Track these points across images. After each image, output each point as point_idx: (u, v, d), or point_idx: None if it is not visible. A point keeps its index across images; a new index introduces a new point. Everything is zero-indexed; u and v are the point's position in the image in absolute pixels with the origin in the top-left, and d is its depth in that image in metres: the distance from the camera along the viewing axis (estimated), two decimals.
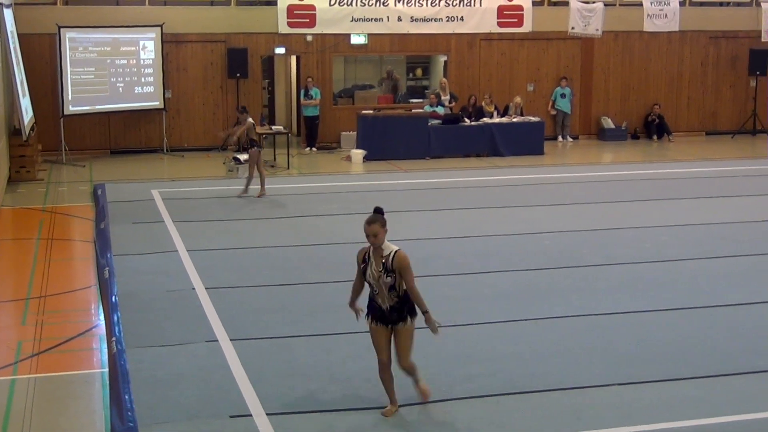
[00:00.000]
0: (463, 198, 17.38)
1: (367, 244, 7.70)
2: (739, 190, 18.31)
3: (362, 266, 7.72)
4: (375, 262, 7.64)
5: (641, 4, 25.81)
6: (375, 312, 7.71)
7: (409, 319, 7.71)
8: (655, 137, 25.97)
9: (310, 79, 23.73)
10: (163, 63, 22.86)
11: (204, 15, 23.60)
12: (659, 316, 10.37)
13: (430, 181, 19.40)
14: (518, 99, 24.20)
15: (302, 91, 23.83)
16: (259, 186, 17.35)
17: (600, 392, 8.28)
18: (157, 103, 22.98)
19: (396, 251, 7.64)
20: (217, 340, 9.49)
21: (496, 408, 7.96)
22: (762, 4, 26.39)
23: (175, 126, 23.35)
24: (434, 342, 9.46)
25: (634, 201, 17.06)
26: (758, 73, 26.46)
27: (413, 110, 23.89)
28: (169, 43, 23.02)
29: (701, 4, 26.91)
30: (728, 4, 27.35)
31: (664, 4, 25.81)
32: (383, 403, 7.94)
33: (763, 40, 26.26)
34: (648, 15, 25.79)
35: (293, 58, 25.34)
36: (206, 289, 11.29)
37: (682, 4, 26.11)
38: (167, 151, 23.06)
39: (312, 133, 23.90)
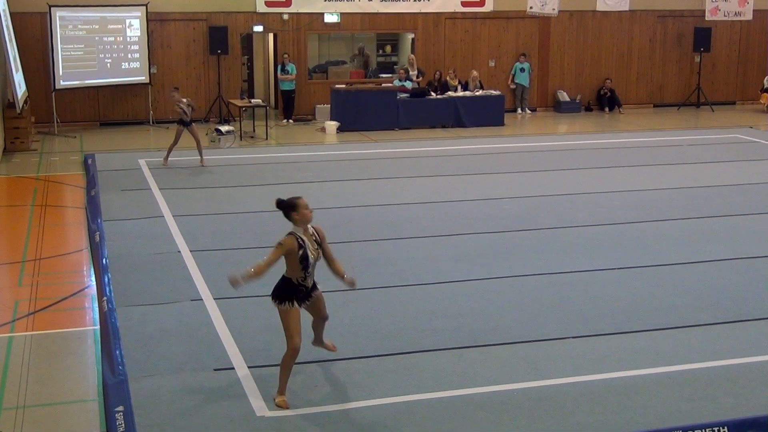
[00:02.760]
0: (430, 166, 17.36)
1: (289, 233, 7.15)
2: (684, 158, 18.39)
3: (300, 252, 7.10)
4: (309, 242, 7.18)
5: None
6: (299, 294, 7.18)
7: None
8: (606, 109, 25.99)
9: (286, 56, 23.56)
10: (148, 40, 22.59)
11: None
12: (611, 275, 10.45)
13: (398, 150, 19.34)
14: (475, 73, 24.02)
15: (279, 67, 23.65)
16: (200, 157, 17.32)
17: (556, 345, 8.36)
18: (143, 78, 22.74)
19: (313, 226, 7.27)
20: (201, 299, 9.49)
21: (459, 360, 8.02)
22: None
23: (161, 99, 23.12)
24: (403, 300, 9.53)
25: (587, 168, 17.12)
26: (702, 49, 26.50)
27: (383, 84, 23.70)
28: (154, 22, 22.74)
29: None
30: None
31: None
32: (356, 353, 7.97)
33: (706, 18, 26.28)
34: None
35: (270, 36, 25.13)
36: (191, 251, 11.26)
37: None
38: (153, 123, 22.86)
39: (289, 106, 23.76)
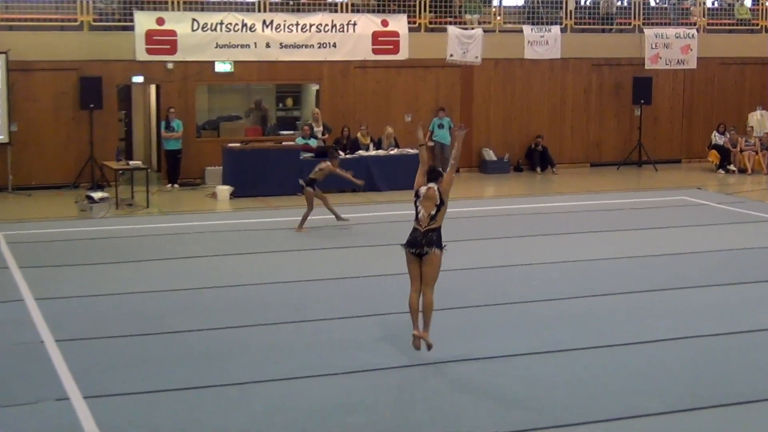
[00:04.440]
0: (338, 237, 17.37)
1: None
2: (627, 223, 18.71)
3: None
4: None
5: (521, 31, 26.31)
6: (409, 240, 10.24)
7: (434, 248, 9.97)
8: (538, 169, 26.38)
9: (171, 110, 23.43)
10: (8, 93, 22.22)
11: (54, 41, 23.05)
12: (548, 358, 10.48)
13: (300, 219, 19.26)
14: (389, 129, 24.23)
15: (163, 123, 23.49)
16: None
17: None
18: (1, 137, 22.30)
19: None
20: (68, 398, 9.19)
21: None
22: (644, 30, 27.23)
23: (23, 161, 22.67)
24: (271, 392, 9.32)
25: (519, 237, 17.24)
26: (642, 101, 27.19)
27: (284, 143, 23.71)
28: (16, 72, 22.39)
29: (582, 30, 27.55)
30: (610, 30, 28.08)
31: (545, 30, 26.37)
32: None
33: (646, 67, 27.07)
34: (528, 42, 26.25)
35: (153, 88, 24.99)
36: (56, 341, 10.94)
37: (563, 30, 26.73)
38: (12, 189, 22.36)
39: (174, 169, 23.55)
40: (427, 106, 25.84)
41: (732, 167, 26.67)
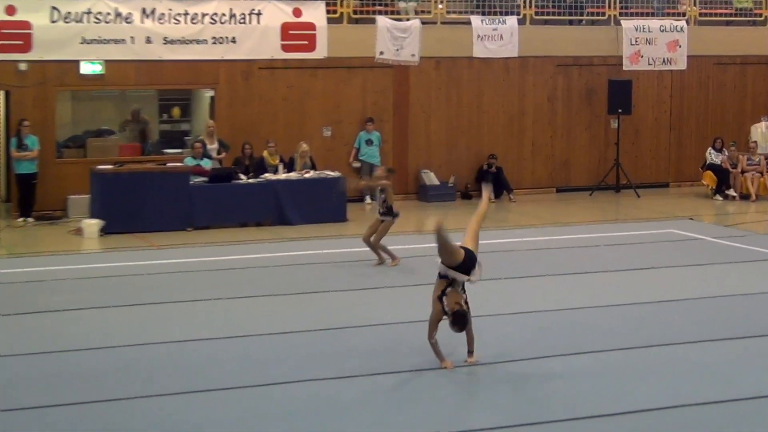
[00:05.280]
0: (240, 284, 17.29)
1: None
2: (599, 264, 18.86)
3: None
4: None
5: (469, 23, 26.43)
6: None
7: None
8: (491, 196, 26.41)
9: (24, 123, 23.21)
10: None
11: None
12: None
13: (193, 261, 19.27)
14: (304, 146, 24.19)
15: (13, 140, 23.27)
16: (388, 256, 18.74)
17: None
18: None
19: None
20: None
21: None
22: (622, 22, 27.55)
23: None
24: None
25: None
26: (620, 111, 27.42)
27: (169, 164, 23.53)
28: None
29: (546, 22, 27.77)
30: (580, 22, 28.27)
31: (499, 22, 26.51)
32: None
33: (625, 68, 27.37)
34: (478, 36, 26.38)
35: (1, 95, 24.74)
36: None
37: (521, 22, 26.92)
38: None
39: (27, 198, 23.30)
40: (352, 117, 26.02)
41: (732, 192, 27.06)
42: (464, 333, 12.37)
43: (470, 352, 12.48)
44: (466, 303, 12.30)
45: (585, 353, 13.20)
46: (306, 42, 25.42)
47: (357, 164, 25.63)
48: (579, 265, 18.71)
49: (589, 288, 16.96)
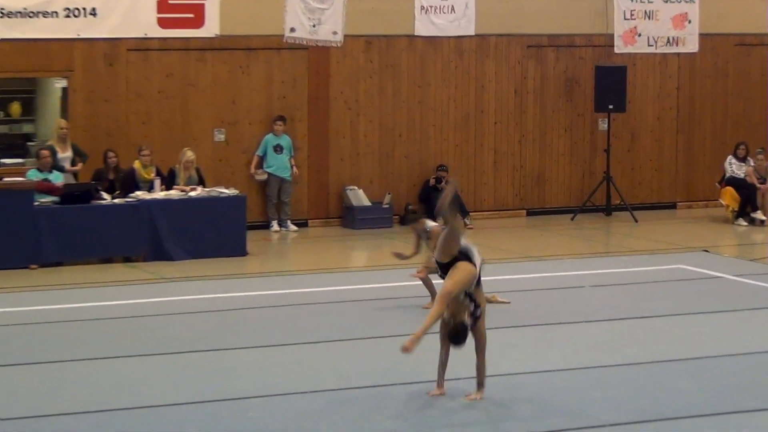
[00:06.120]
0: (96, 341, 16.95)
1: None
2: (589, 312, 18.79)
3: None
4: None
5: None
6: None
7: None
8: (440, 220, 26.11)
9: None
10: None
11: None
12: None
13: (37, 309, 19.08)
14: (190, 155, 24.14)
15: None
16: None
17: None
18: None
19: None
20: None
21: None
22: None
23: None
24: None
25: (405, 335, 16.64)
26: (611, 107, 27.34)
27: (6, 179, 23.40)
28: None
29: None
30: None
31: None
32: None
33: (617, 51, 27.46)
34: (422, 8, 26.51)
35: None
36: None
37: None
38: None
39: None
40: (253, 115, 26.10)
41: (759, 215, 27.08)
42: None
43: (480, 385, 13.63)
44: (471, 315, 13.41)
45: (577, 430, 13.13)
46: (191, 15, 25.45)
47: (262, 176, 25.64)
48: (557, 314, 18.60)
49: (570, 342, 16.90)
